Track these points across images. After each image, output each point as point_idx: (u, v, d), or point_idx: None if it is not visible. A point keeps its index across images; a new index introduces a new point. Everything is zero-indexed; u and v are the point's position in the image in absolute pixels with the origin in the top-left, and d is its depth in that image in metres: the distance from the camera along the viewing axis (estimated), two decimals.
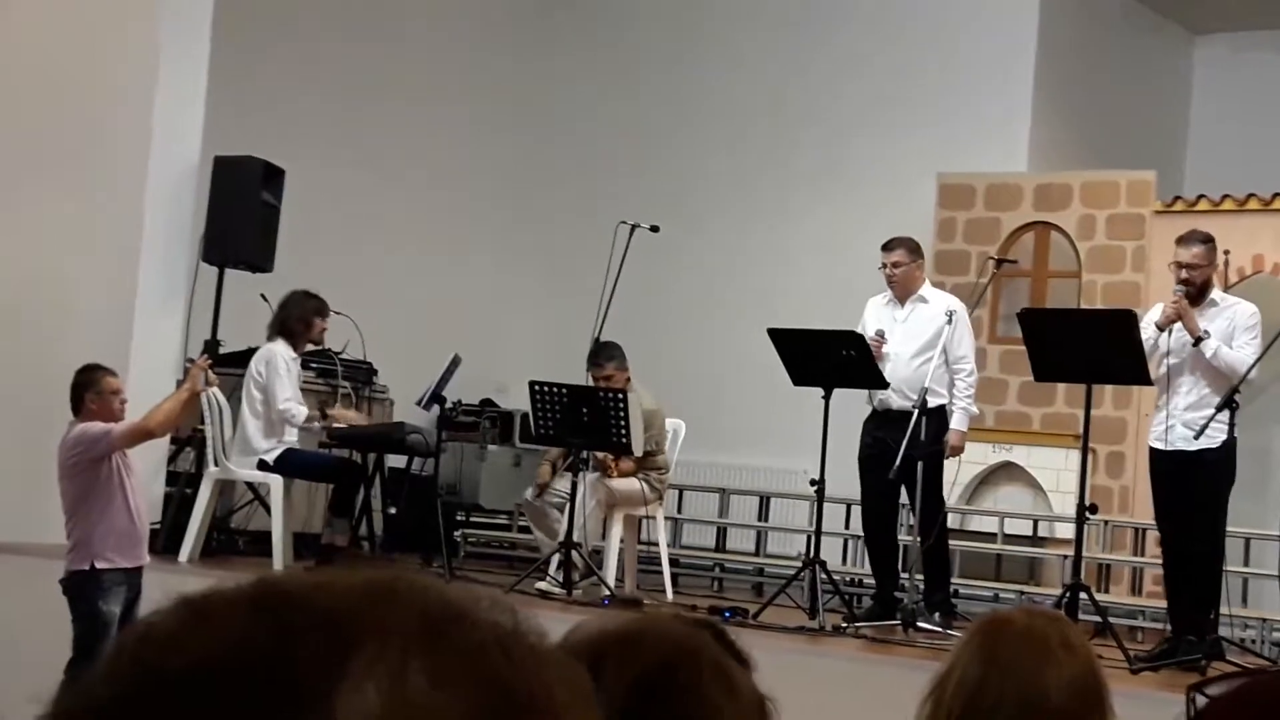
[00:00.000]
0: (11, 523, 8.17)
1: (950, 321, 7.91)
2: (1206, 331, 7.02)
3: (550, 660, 0.74)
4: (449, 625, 0.71)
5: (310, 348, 8.97)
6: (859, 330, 8.01)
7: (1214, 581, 6.99)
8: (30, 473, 8.09)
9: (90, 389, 6.42)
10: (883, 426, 7.88)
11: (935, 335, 7.92)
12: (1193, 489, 7.04)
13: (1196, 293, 7.10)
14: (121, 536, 6.36)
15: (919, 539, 7.70)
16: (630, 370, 8.67)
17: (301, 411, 8.59)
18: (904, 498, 8.07)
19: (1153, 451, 7.28)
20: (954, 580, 9.70)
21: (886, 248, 8.17)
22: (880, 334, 7.99)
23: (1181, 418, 7.07)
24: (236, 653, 0.68)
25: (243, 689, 0.67)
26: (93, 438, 6.32)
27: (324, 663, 0.68)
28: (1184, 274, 7.09)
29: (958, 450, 8.00)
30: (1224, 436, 6.92)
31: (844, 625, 7.52)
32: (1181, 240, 7.29)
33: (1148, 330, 7.14)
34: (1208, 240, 7.23)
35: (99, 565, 6.31)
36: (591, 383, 8.53)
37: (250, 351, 8.80)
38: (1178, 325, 7.03)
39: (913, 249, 8.19)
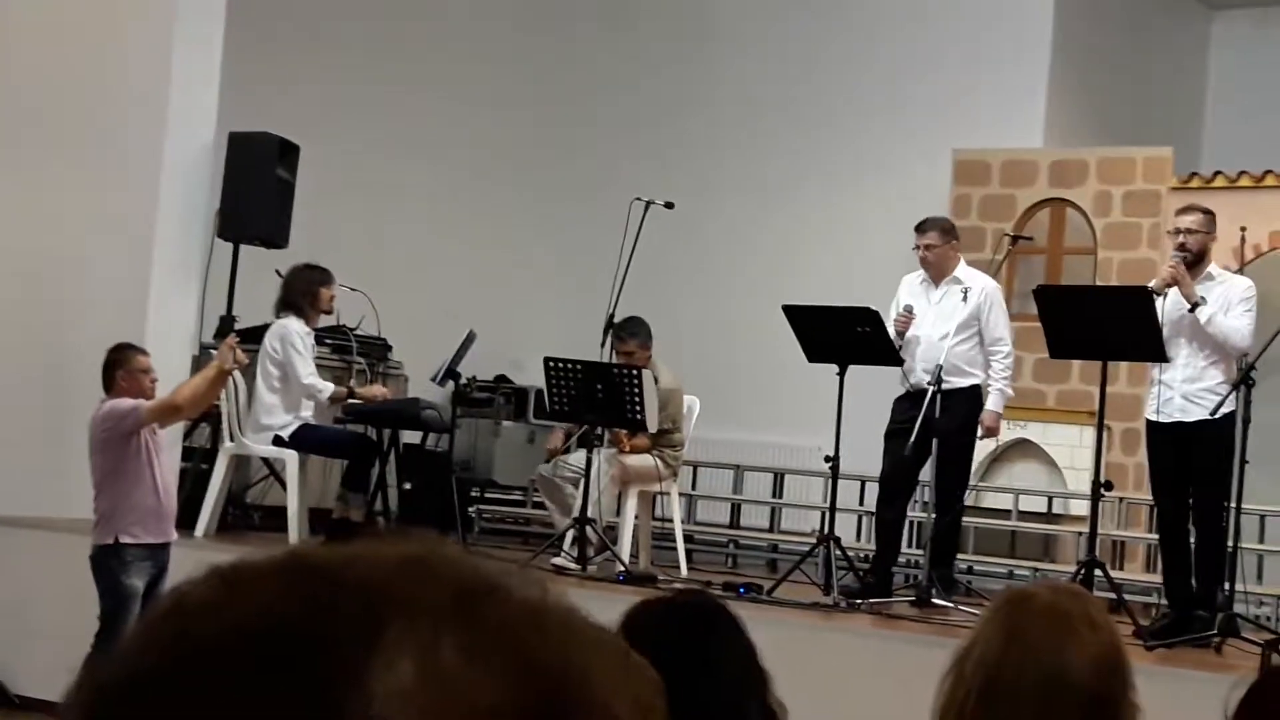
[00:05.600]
0: (31, 497, 8.21)
1: (965, 299, 7.89)
2: (1203, 298, 7.02)
3: (582, 634, 0.74)
4: (481, 599, 0.71)
5: (323, 319, 8.97)
6: (892, 309, 7.99)
7: (1222, 557, 7.00)
8: (49, 448, 8.13)
9: (121, 367, 6.49)
10: (915, 406, 7.84)
11: (971, 315, 7.90)
12: (1191, 463, 7.04)
13: (1194, 260, 7.11)
14: (147, 513, 6.41)
15: (934, 515, 7.71)
16: (652, 350, 8.68)
17: (327, 387, 8.60)
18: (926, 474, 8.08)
19: (1149, 424, 7.29)
20: (969, 557, 9.73)
21: (920, 229, 8.14)
22: (909, 309, 7.97)
23: (1180, 390, 7.08)
24: (271, 624, 0.68)
25: (278, 660, 0.67)
26: (121, 413, 6.37)
27: (358, 636, 0.68)
28: (1181, 239, 7.11)
29: (993, 431, 8.01)
30: (1225, 410, 6.93)
31: (858, 602, 7.51)
32: (1181, 210, 7.41)
33: None
34: (1207, 211, 7.29)
35: (123, 540, 6.37)
36: (612, 354, 8.54)
37: (265, 328, 8.80)
38: (1173, 293, 7.04)
39: (946, 230, 8.15)
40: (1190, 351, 7.10)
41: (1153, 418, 7.24)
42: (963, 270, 8.15)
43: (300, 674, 0.67)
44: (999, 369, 7.94)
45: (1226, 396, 6.89)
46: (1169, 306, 7.07)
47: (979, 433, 7.93)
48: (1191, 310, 7.01)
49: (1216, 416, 6.92)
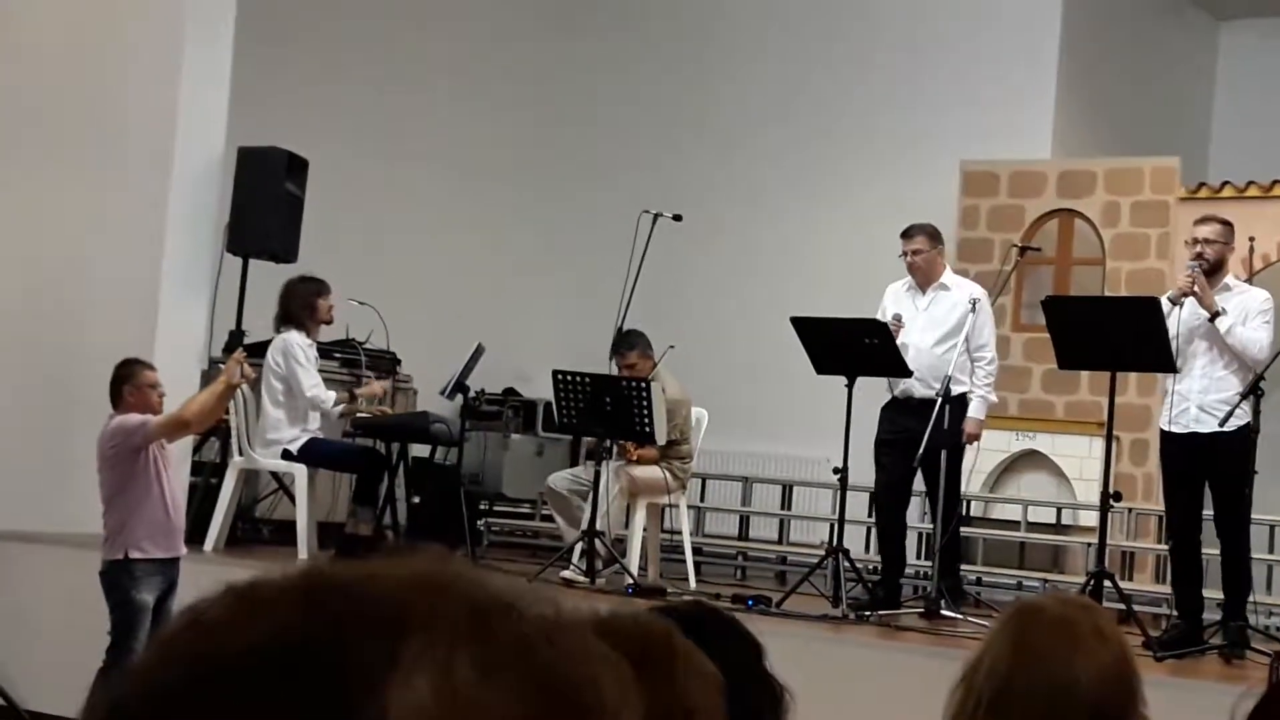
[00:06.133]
0: (40, 512, 8.21)
1: (975, 310, 7.90)
2: (1223, 308, 6.99)
3: (595, 652, 0.75)
4: (496, 617, 0.72)
5: (330, 332, 8.99)
6: (877, 317, 8.01)
7: (1247, 568, 6.99)
8: (58, 463, 8.14)
9: (128, 382, 6.49)
10: (904, 414, 7.87)
11: (959, 323, 7.91)
12: (1207, 475, 7.01)
13: (1210, 270, 7.08)
14: (156, 527, 6.42)
15: (940, 528, 7.69)
16: (655, 357, 8.70)
17: (330, 396, 8.62)
18: (918, 485, 8.07)
19: (1163, 434, 7.26)
20: (978, 568, 9.72)
21: (906, 235, 8.17)
22: (898, 318, 7.98)
23: (1196, 400, 7.05)
24: (288, 641, 0.69)
25: (295, 678, 0.68)
26: (129, 429, 6.37)
27: (374, 653, 0.68)
28: (1198, 248, 7.08)
29: (975, 438, 8.00)
30: (1241, 421, 6.91)
31: (867, 614, 7.51)
32: (1199, 220, 7.36)
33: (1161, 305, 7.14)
34: (1225, 222, 7.26)
35: (133, 555, 6.38)
36: (617, 372, 8.55)
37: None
38: (1189, 303, 7.01)
39: (932, 235, 8.16)
40: (1207, 362, 7.06)
41: (1166, 428, 7.20)
42: (949, 276, 8.18)
43: (317, 692, 0.67)
44: (982, 375, 7.93)
45: (1235, 407, 6.86)
46: (1185, 316, 7.03)
47: (963, 440, 7.90)
48: (1211, 320, 6.99)
49: (1227, 429, 6.88)
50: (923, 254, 8.05)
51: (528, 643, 0.71)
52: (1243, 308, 7.06)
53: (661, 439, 8.27)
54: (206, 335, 8.99)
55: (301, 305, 8.61)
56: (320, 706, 0.67)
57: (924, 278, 8.08)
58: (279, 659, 0.68)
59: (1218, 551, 7.07)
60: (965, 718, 2.26)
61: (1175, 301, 7.03)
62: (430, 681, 0.68)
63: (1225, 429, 6.86)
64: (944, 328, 7.93)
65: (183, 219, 8.80)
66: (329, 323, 8.86)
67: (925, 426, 7.58)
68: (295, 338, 8.58)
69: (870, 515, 10.19)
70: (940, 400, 7.61)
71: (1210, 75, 13.19)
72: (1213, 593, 7.20)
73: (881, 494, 8.13)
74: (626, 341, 8.66)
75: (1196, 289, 6.97)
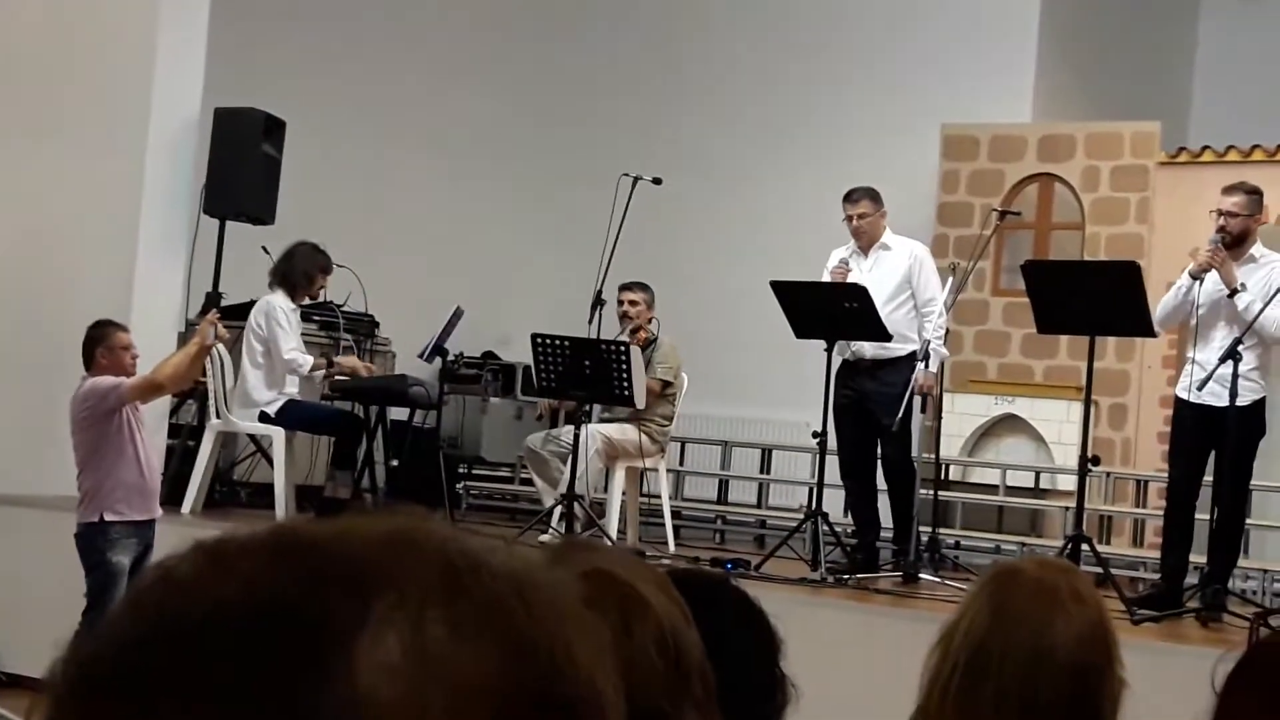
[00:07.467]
0: (17, 474, 8.19)
1: (953, 272, 7.93)
2: (1243, 284, 6.96)
3: (569, 612, 0.74)
4: (468, 575, 0.71)
5: (307, 301, 8.97)
6: (822, 278, 8.06)
7: (1237, 535, 7.02)
8: (36, 426, 8.11)
9: (101, 344, 6.45)
10: (856, 376, 7.93)
11: (904, 281, 7.98)
12: (1216, 445, 6.99)
13: (1233, 242, 7.04)
14: (131, 489, 6.40)
15: (923, 490, 7.72)
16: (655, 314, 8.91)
17: (307, 360, 8.60)
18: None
19: (1178, 400, 7.26)
20: (956, 532, 9.76)
21: (850, 199, 8.22)
22: (844, 262, 8.04)
23: (1216, 373, 7.00)
24: (257, 598, 0.68)
25: (264, 635, 0.67)
26: (102, 391, 6.34)
27: (344, 611, 0.67)
28: (1221, 220, 7.05)
29: (928, 389, 8.00)
30: (1255, 396, 6.91)
31: (845, 577, 7.54)
32: (1226, 189, 7.27)
33: (1181, 278, 7.12)
34: (1252, 191, 7.18)
35: (108, 517, 6.36)
36: (617, 307, 8.72)
37: (251, 304, 8.79)
38: (1211, 275, 6.98)
39: (875, 198, 8.23)
40: (1226, 334, 7.01)
41: (1184, 395, 7.18)
42: (889, 237, 8.22)
43: (286, 649, 0.66)
44: (930, 329, 7.94)
45: (1213, 372, 6.81)
46: (1208, 288, 6.99)
47: (913, 393, 7.88)
48: (1230, 296, 6.96)
49: (1241, 403, 6.76)
50: (868, 217, 8.12)
51: (500, 602, 0.70)
52: (1266, 281, 7.01)
53: (641, 403, 8.29)
54: (183, 297, 8.94)
55: (303, 272, 8.61)
56: (289, 663, 0.66)
57: (867, 240, 8.16)
58: (247, 616, 0.67)
59: (1206, 517, 7.08)
60: (942, 680, 2.26)
61: (1196, 276, 7.00)
62: (400, 639, 0.67)
63: (1242, 403, 6.80)
64: (889, 287, 7.99)
65: (159, 180, 8.75)
66: (314, 299, 8.88)
67: (876, 386, 7.77)
68: (279, 300, 8.56)
69: None
70: (922, 364, 7.64)
71: (1191, 39, 13.19)
72: (1193, 557, 7.23)
73: (844, 459, 8.12)
74: (638, 283, 8.82)
75: (1217, 263, 6.93)
